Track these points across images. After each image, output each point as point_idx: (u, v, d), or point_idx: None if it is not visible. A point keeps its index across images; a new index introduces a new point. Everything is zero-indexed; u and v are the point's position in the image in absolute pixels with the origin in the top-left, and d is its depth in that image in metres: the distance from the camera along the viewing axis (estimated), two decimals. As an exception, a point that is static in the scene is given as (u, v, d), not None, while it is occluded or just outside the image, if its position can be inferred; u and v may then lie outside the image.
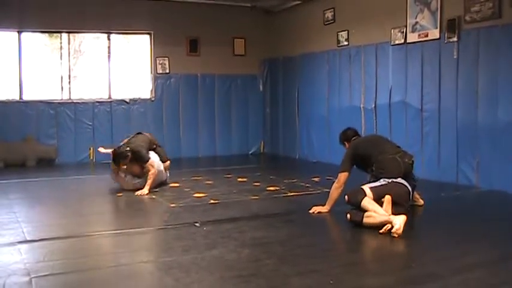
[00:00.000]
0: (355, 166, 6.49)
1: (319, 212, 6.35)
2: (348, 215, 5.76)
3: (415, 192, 6.46)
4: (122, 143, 8.32)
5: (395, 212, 5.51)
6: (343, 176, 6.32)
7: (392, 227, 5.27)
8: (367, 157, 6.37)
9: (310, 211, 6.40)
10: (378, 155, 6.27)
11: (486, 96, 8.06)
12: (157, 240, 5.61)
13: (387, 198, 5.65)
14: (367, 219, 5.56)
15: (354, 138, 6.79)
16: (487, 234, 5.54)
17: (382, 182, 5.93)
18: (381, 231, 5.33)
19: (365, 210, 5.61)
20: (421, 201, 6.67)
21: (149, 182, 7.99)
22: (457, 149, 8.53)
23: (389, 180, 5.94)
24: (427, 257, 4.72)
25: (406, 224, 5.35)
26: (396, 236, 5.23)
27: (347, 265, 4.64)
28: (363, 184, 5.97)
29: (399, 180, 5.98)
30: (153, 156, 8.39)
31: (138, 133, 8.88)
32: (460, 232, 5.67)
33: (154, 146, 8.72)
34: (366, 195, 5.68)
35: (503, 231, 5.70)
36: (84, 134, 12.08)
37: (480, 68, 8.13)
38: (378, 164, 6.22)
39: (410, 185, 6.10)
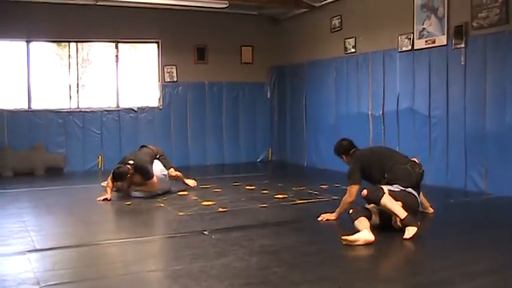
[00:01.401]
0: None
1: (327, 220, 6.35)
2: (351, 210, 5.77)
3: (424, 200, 6.46)
4: (122, 160, 8.45)
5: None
6: (354, 189, 6.28)
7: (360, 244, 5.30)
8: (375, 168, 6.32)
9: (319, 219, 6.40)
10: (391, 165, 6.19)
11: (494, 102, 8.05)
12: (166, 249, 5.62)
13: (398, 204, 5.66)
14: (358, 224, 5.53)
15: (353, 149, 6.69)
16: (496, 241, 5.52)
17: (395, 188, 5.91)
18: (345, 239, 5.30)
19: (368, 216, 5.64)
20: (431, 210, 6.63)
21: (145, 189, 8.28)
22: (465, 155, 8.51)
23: (403, 188, 5.92)
24: (436, 263, 4.71)
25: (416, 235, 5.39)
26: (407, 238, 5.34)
27: (356, 272, 4.63)
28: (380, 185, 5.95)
29: (410, 190, 5.97)
30: (156, 165, 8.54)
31: (142, 146, 9.10)
32: (469, 238, 5.65)
33: (158, 156, 8.83)
34: (385, 193, 5.66)
35: (511, 237, 5.69)
36: (93, 142, 12.12)
37: (488, 74, 8.12)
38: (390, 173, 6.13)
39: (418, 195, 6.09)
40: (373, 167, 6.34)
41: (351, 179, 6.35)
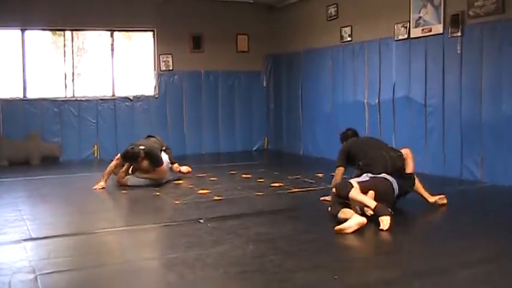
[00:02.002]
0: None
1: (325, 200, 6.61)
2: (329, 208, 5.96)
3: (422, 190, 6.45)
4: (131, 146, 8.37)
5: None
6: (338, 171, 6.71)
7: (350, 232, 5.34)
8: (357, 154, 6.60)
9: (321, 198, 6.76)
10: (367, 151, 6.52)
11: (490, 91, 8.05)
12: (162, 237, 5.63)
13: (370, 194, 5.71)
14: (341, 214, 5.63)
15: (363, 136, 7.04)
16: (492, 229, 5.54)
17: (365, 177, 5.99)
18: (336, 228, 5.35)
19: (347, 205, 5.71)
20: (432, 199, 6.56)
21: (152, 176, 8.23)
22: (461, 144, 8.52)
23: (373, 176, 5.99)
24: (432, 251, 4.72)
25: (393, 222, 5.41)
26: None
27: (352, 260, 4.65)
28: (350, 179, 6.04)
29: (384, 175, 6.01)
30: (164, 157, 8.58)
31: (149, 136, 9.16)
32: (465, 227, 5.66)
33: (164, 148, 8.86)
34: (353, 187, 5.71)
35: (507, 225, 5.70)
36: (88, 131, 12.09)
37: (484, 62, 8.12)
38: (365, 159, 6.42)
39: (398, 180, 6.12)
40: (358, 155, 6.61)
41: (336, 162, 6.83)
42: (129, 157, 8.16)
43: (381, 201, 5.64)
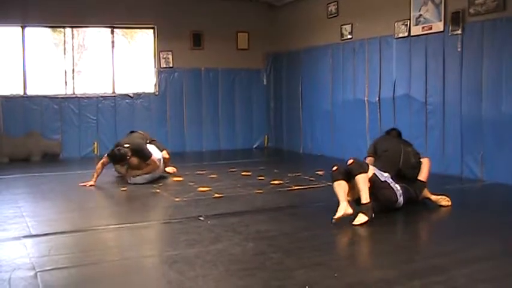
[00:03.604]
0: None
1: None
2: (335, 167, 5.85)
3: (428, 193, 6.44)
4: (116, 146, 8.36)
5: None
6: (369, 160, 6.53)
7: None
8: (379, 147, 6.65)
9: None
10: (387, 144, 6.60)
11: (490, 89, 8.04)
12: (162, 234, 5.63)
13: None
14: (336, 185, 5.72)
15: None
16: (491, 227, 5.54)
17: (385, 176, 5.93)
18: (335, 216, 5.50)
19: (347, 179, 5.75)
20: (434, 197, 6.51)
21: (146, 170, 8.24)
22: (461, 142, 8.52)
23: (390, 181, 5.95)
24: (431, 250, 4.73)
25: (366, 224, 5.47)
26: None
27: (351, 258, 4.65)
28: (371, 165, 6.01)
29: (396, 185, 5.97)
30: (152, 149, 8.55)
31: (131, 131, 9.14)
32: (465, 225, 5.67)
33: (148, 141, 8.84)
34: (366, 172, 5.71)
35: (507, 223, 5.70)
36: (89, 128, 12.10)
37: (484, 60, 8.11)
38: (382, 150, 6.52)
39: (407, 189, 6.13)
40: (380, 148, 6.63)
41: (367, 152, 6.86)
42: (118, 159, 8.18)
43: (376, 202, 5.65)
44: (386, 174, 5.97)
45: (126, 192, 7.71)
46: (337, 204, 5.58)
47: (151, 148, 8.55)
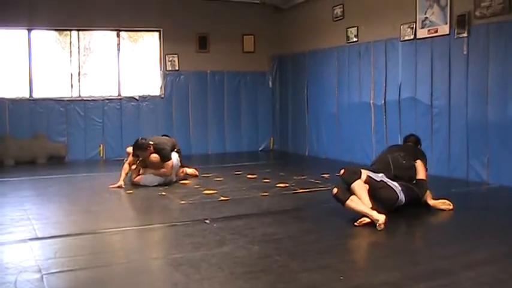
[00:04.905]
0: None
1: None
2: (335, 189, 5.80)
3: (428, 192, 6.41)
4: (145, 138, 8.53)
5: (375, 209, 5.56)
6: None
7: (369, 222, 5.44)
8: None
9: None
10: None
11: (496, 92, 8.02)
12: (168, 237, 5.63)
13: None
14: (350, 203, 5.64)
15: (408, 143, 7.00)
16: (496, 230, 5.53)
17: (378, 176, 5.92)
18: (356, 223, 5.48)
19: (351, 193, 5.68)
20: (431, 202, 6.50)
21: (159, 172, 8.28)
22: (467, 145, 8.50)
23: (386, 180, 5.93)
24: (436, 252, 4.71)
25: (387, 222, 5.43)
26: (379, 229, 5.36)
27: (356, 261, 4.65)
28: (365, 169, 5.97)
29: (394, 183, 5.95)
30: (174, 156, 8.59)
31: (163, 135, 9.34)
32: (470, 228, 5.66)
33: (176, 149, 8.91)
34: (360, 178, 5.69)
35: (513, 227, 5.69)
36: (94, 131, 12.12)
37: (490, 63, 8.09)
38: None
39: (408, 189, 6.10)
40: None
41: None
42: (138, 146, 8.25)
43: (377, 203, 5.65)
44: (380, 174, 5.96)
45: (132, 194, 7.72)
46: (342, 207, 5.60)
47: (173, 156, 8.59)
